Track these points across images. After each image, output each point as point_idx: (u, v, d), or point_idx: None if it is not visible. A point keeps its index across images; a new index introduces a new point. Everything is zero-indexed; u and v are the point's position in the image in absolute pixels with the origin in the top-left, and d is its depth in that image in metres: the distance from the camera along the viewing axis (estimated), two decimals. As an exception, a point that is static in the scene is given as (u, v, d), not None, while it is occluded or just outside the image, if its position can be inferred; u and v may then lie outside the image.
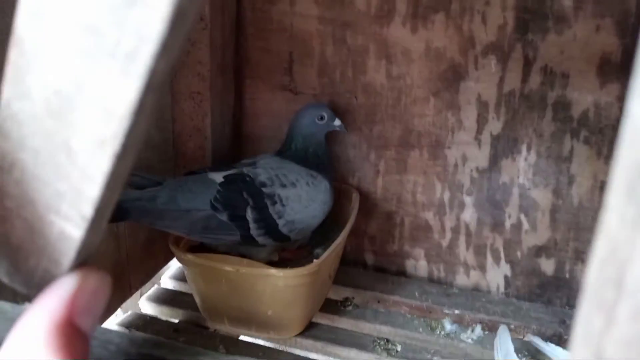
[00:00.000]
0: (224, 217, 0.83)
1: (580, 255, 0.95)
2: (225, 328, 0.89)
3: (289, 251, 0.96)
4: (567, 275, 0.97)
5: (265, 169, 0.89)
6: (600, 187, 0.90)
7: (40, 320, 0.22)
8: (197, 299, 0.89)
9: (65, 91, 0.20)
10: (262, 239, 0.86)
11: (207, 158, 1.00)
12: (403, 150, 0.99)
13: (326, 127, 0.95)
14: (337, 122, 0.95)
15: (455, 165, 0.97)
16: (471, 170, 0.96)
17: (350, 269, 1.06)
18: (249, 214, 0.84)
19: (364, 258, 1.08)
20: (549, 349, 0.78)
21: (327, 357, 0.84)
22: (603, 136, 0.88)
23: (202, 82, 0.97)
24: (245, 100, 1.07)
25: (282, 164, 0.91)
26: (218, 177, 0.86)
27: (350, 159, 1.03)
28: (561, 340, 0.90)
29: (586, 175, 0.90)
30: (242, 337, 0.89)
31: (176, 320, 0.93)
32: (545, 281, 0.98)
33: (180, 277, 1.02)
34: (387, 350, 0.84)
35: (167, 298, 0.96)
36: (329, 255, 0.82)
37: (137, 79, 0.20)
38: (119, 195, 0.23)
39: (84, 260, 0.25)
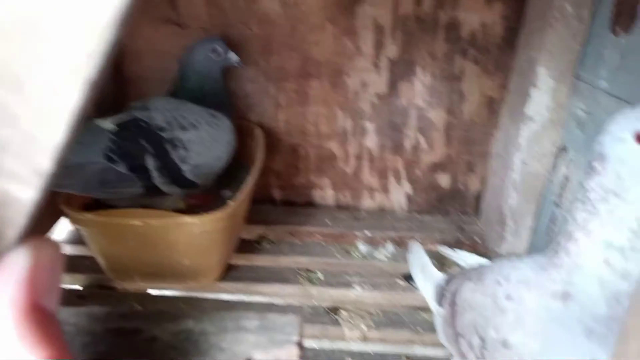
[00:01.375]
0: (122, 168, 0.75)
1: (472, 167, 1.02)
2: (136, 285, 0.83)
3: (196, 197, 0.91)
4: (461, 187, 1.04)
5: (160, 112, 0.81)
6: (487, 102, 0.96)
7: (3, 312, 0.17)
8: (101, 260, 0.81)
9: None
10: (167, 188, 0.80)
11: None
12: (303, 81, 0.96)
13: (221, 62, 0.88)
14: (233, 56, 0.88)
15: (356, 93, 0.97)
16: (371, 96, 0.97)
17: (260, 207, 1.04)
18: (150, 163, 0.77)
19: (271, 194, 1.07)
20: (455, 254, 0.84)
21: (251, 297, 0.83)
22: (489, 54, 0.93)
23: (69, 17, 0.83)
24: (123, 38, 0.95)
25: (178, 105, 0.84)
26: (108, 124, 0.77)
27: (249, 94, 0.98)
28: (461, 244, 0.99)
29: (475, 92, 0.96)
30: (155, 292, 0.84)
31: (79, 286, 0.84)
32: (443, 194, 1.05)
33: (74, 240, 0.92)
34: (310, 279, 0.86)
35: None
36: (242, 196, 0.79)
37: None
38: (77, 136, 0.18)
39: (30, 227, 0.20)
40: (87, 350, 0.23)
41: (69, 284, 0.85)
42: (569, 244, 0.46)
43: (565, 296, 0.45)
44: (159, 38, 0.94)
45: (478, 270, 0.59)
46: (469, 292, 0.57)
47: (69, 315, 0.25)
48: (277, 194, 1.07)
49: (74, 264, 0.87)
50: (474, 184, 1.04)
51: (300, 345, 0.24)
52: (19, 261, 0.18)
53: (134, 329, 0.24)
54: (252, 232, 0.96)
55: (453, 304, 0.60)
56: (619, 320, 0.43)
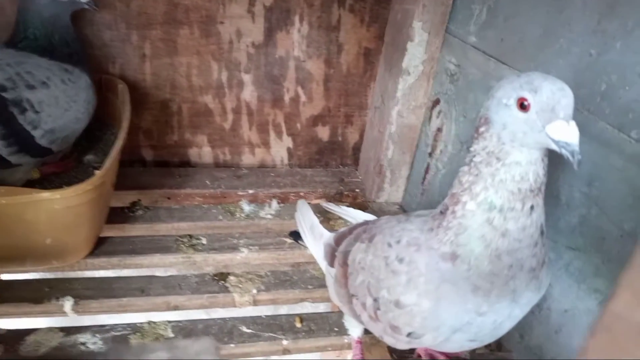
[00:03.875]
0: (-47, 138, 0.62)
1: (351, 119, 1.03)
2: (-12, 271, 0.72)
3: (53, 164, 0.80)
4: (340, 139, 1.05)
5: (0, 68, 0.67)
6: (365, 53, 0.96)
7: None
8: (-63, 247, 0.68)
9: None
10: (16, 158, 0.69)
11: None
12: (171, 29, 0.87)
13: (70, 5, 0.75)
14: (83, -3, 0.76)
15: (230, 42, 0.90)
16: (247, 46, 0.91)
17: (129, 170, 0.95)
18: (-8, 130, 0.65)
19: (141, 155, 0.98)
20: (338, 209, 0.86)
21: (130, 271, 0.76)
22: (365, 3, 0.91)
23: None
24: None
25: (20, 58, 0.71)
26: None
27: (107, 43, 0.86)
28: (342, 195, 1.00)
29: (352, 42, 0.95)
30: (12, 277, 0.74)
31: None
32: (323, 147, 1.05)
33: None
34: (193, 246, 0.81)
35: None
36: (110, 163, 0.70)
37: None
38: None
39: None
40: None
41: None
42: (456, 206, 0.47)
43: (453, 256, 0.47)
44: (-15, -27, 0.77)
45: (368, 231, 0.60)
46: (360, 254, 0.58)
47: None
48: (148, 154, 0.98)
49: None
50: (352, 136, 1.05)
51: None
52: None
53: None
54: (123, 199, 0.88)
55: (344, 264, 0.60)
56: (499, 275, 0.46)
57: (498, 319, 0.48)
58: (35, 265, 0.72)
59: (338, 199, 1.00)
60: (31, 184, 0.76)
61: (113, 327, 0.67)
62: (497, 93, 0.44)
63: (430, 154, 0.90)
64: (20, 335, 0.63)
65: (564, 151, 0.39)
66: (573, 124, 0.39)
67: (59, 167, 0.81)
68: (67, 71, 0.74)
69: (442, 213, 0.50)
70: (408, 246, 0.51)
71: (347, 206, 0.88)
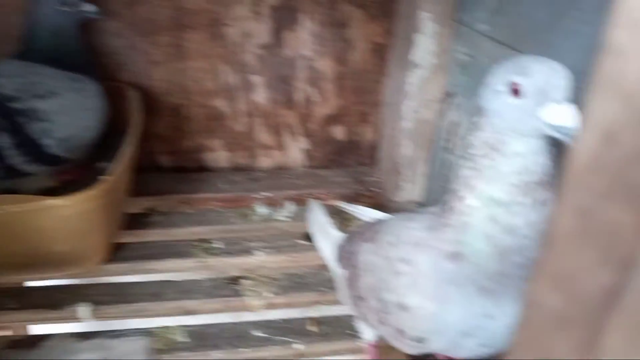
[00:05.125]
0: (-34, 150, 0.64)
1: (366, 118, 1.01)
2: (9, 278, 0.74)
3: (69, 172, 0.81)
4: (356, 138, 1.03)
5: (8, 78, 0.69)
6: (375, 49, 0.94)
7: None
8: (-42, 257, 0.70)
9: None
10: (30, 167, 0.70)
11: None
12: (178, 34, 0.87)
13: (76, 15, 0.76)
14: (89, 7, 0.77)
15: (238, 44, 0.90)
16: (255, 47, 0.91)
17: (146, 176, 0.95)
18: (3, 140, 0.66)
19: (157, 161, 0.98)
20: (352, 208, 0.84)
21: (144, 276, 0.77)
22: (374, -3, 0.89)
23: None
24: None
25: (28, 68, 0.72)
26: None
27: (116, 51, 0.87)
28: (361, 196, 0.98)
29: (362, 39, 0.93)
30: (33, 284, 0.75)
31: None
32: (339, 147, 1.04)
33: None
34: (207, 251, 0.81)
35: None
36: (120, 168, 0.71)
37: None
38: None
39: None
40: None
41: None
42: (456, 202, 0.45)
43: (457, 256, 0.45)
44: (-4, -11, 0.79)
45: (373, 230, 0.58)
46: (366, 255, 0.56)
47: None
48: (164, 160, 0.98)
49: None
50: (368, 135, 1.03)
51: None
52: None
53: None
54: (139, 205, 0.89)
55: (353, 266, 0.59)
56: (509, 275, 0.44)
57: (512, 322, 0.46)
58: (49, 272, 0.74)
59: (356, 199, 0.98)
60: (50, 192, 0.78)
61: (126, 332, 0.67)
62: (489, 80, 0.41)
63: (446, 150, 0.86)
64: (36, 340, 0.64)
65: (561, 136, 0.36)
66: (570, 105, 0.36)
67: (74, 174, 0.82)
68: (76, 80, 0.75)
69: (444, 210, 0.47)
70: (410, 245, 0.49)
71: (366, 206, 0.86)
